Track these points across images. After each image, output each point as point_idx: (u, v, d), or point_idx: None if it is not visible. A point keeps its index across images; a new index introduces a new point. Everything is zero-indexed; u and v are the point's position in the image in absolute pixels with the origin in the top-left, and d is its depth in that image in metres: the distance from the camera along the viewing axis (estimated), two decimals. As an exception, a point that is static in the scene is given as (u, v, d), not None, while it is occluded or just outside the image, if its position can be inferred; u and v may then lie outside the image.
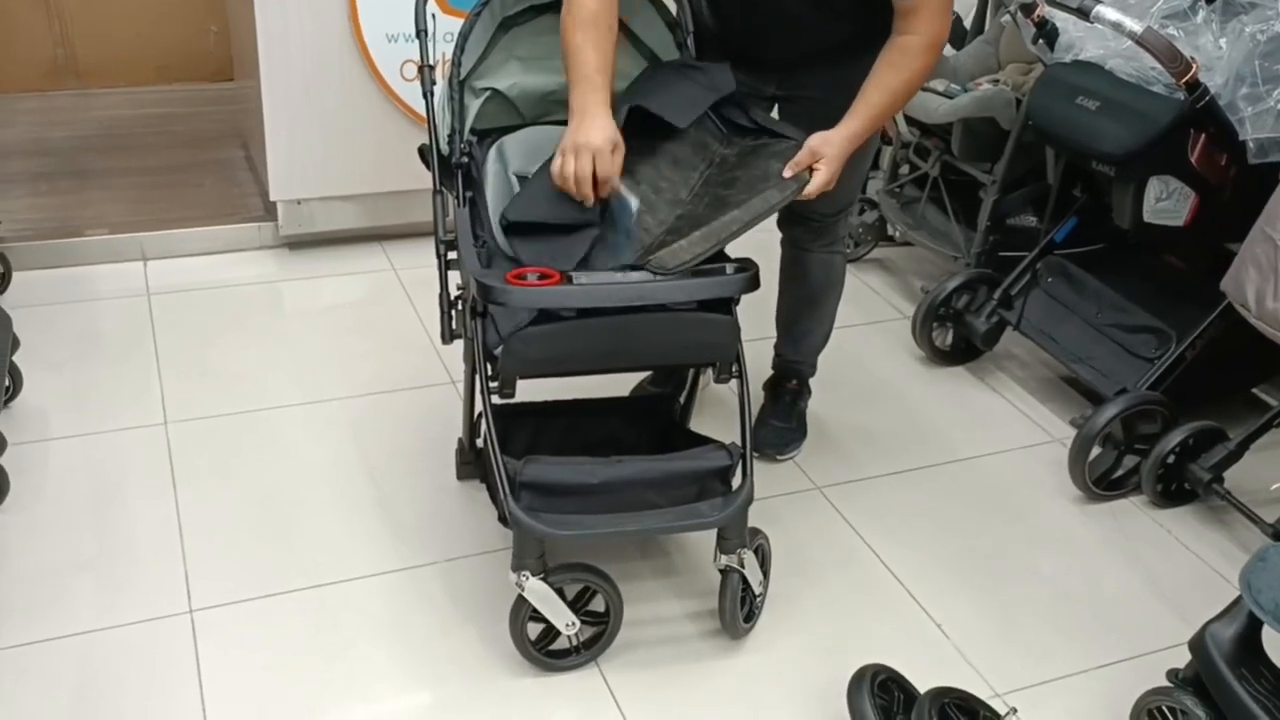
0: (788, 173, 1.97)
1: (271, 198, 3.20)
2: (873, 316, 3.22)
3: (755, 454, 2.41)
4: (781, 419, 2.58)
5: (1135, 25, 2.24)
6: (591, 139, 1.89)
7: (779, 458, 2.55)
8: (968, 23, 3.36)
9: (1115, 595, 2.26)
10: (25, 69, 3.99)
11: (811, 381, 2.63)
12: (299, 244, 3.33)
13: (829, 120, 2.02)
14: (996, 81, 3.06)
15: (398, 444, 2.52)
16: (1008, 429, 2.76)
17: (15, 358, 2.51)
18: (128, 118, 3.93)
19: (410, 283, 3.19)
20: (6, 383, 2.48)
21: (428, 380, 2.74)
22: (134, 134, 3.82)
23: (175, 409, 2.57)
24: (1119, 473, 2.52)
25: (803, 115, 2.20)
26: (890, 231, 3.41)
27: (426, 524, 2.29)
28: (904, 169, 3.32)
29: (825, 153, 1.97)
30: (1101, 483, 2.50)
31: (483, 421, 1.96)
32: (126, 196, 3.39)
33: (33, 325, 2.80)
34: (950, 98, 2.97)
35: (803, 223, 2.39)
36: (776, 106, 2.29)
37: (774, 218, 2.40)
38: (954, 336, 2.99)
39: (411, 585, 2.14)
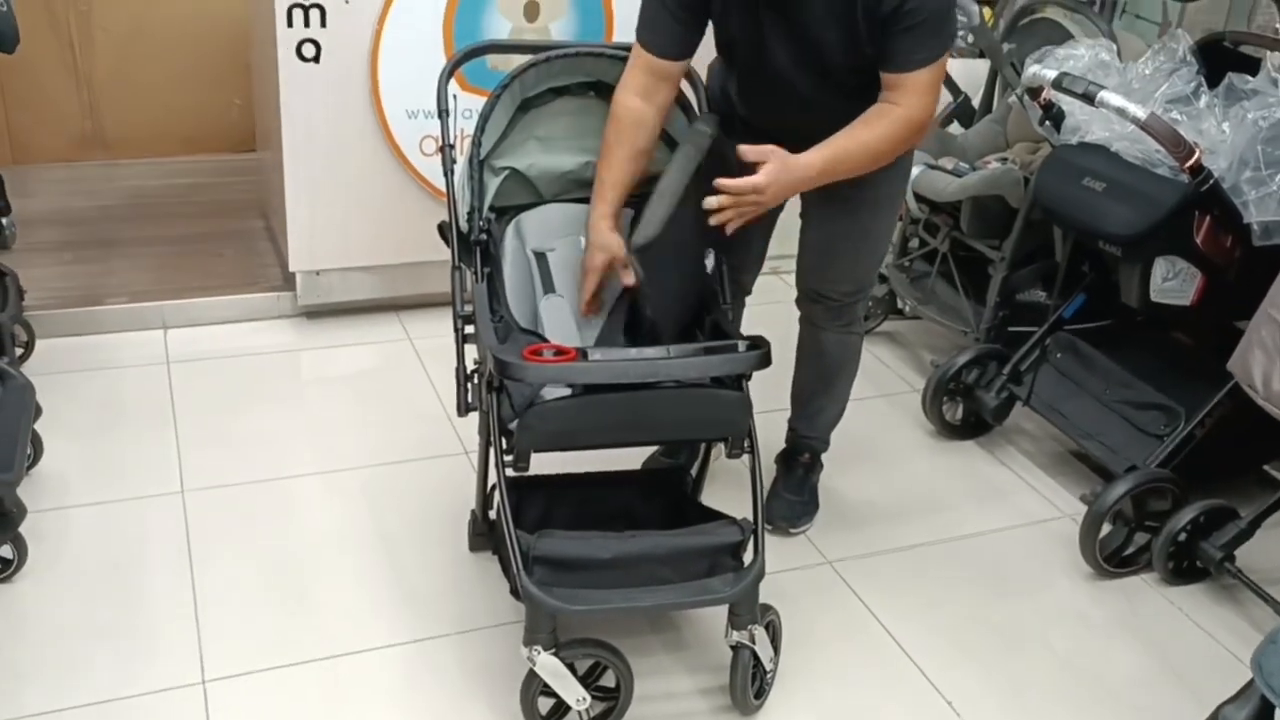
0: (739, 165, 1.99)
1: (290, 269, 3.26)
2: (883, 389, 3.25)
3: (768, 527, 2.47)
4: (794, 492, 2.60)
5: (1139, 111, 2.30)
6: (587, 259, 2.12)
7: (792, 531, 2.56)
8: (976, 102, 3.43)
9: (1127, 674, 2.26)
10: (55, 139, 4.08)
11: (823, 455, 2.65)
12: (317, 313, 3.38)
13: (850, 215, 2.06)
14: (1005, 160, 3.12)
15: (411, 514, 2.55)
16: (1018, 503, 2.77)
17: (37, 425, 2.55)
18: (153, 188, 4.01)
19: (425, 352, 3.24)
20: (28, 450, 2.52)
21: (441, 450, 2.77)
22: (159, 203, 3.90)
23: (192, 477, 2.60)
24: (1130, 550, 2.52)
25: (821, 205, 2.27)
26: (900, 305, 3.44)
27: (439, 596, 2.31)
28: (914, 244, 3.37)
29: (776, 160, 1.98)
30: (1113, 560, 2.50)
31: (496, 494, 1.99)
32: (150, 265, 3.45)
33: (55, 392, 2.84)
34: (959, 176, 3.02)
35: (821, 301, 2.42)
36: (801, 197, 2.33)
37: (793, 295, 2.45)
38: (964, 411, 3.01)
39: (424, 657, 2.15)
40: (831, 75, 2.08)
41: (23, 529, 2.27)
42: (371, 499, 2.59)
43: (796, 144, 2.15)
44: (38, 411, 2.54)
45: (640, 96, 2.12)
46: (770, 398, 2.48)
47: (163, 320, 3.25)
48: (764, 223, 2.32)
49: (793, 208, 2.33)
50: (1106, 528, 2.48)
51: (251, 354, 3.18)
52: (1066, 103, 2.63)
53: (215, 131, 4.23)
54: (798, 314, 2.51)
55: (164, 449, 2.70)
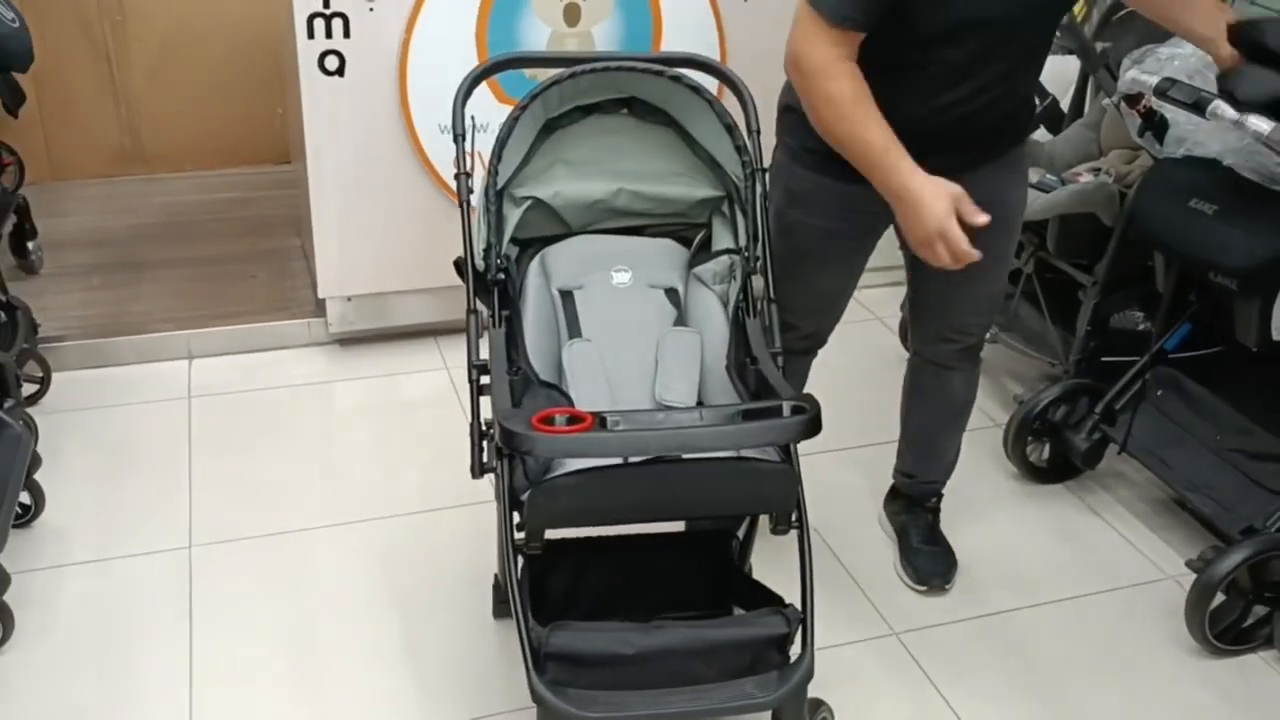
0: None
1: (320, 294, 3.07)
2: (960, 424, 2.94)
3: (921, 588, 2.34)
4: (932, 543, 2.41)
5: (1263, 124, 1.97)
6: (933, 222, 1.73)
7: (947, 587, 2.36)
8: (1065, 105, 3.09)
9: (1245, 778, 1.95)
10: (92, 155, 3.96)
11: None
12: (350, 341, 3.19)
13: (981, 238, 1.77)
14: (1098, 171, 2.79)
15: (435, 572, 2.33)
16: (1112, 563, 2.45)
17: (39, 474, 2.39)
18: (190, 204, 3.86)
19: (464, 383, 3.00)
20: (27, 501, 2.37)
21: (475, 497, 2.53)
22: (194, 221, 3.75)
23: (201, 530, 2.42)
24: (1247, 623, 2.20)
25: None
26: (980, 329, 3.13)
27: (456, 673, 2.08)
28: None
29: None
30: (1225, 636, 2.18)
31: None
32: (178, 290, 3.29)
33: (67, 433, 2.70)
34: (1045, 190, 2.70)
35: (952, 341, 2.23)
36: None
37: (906, 334, 2.20)
38: (1051, 451, 2.70)
39: (434, 749, 1.94)
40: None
41: (15, 591, 2.12)
42: (392, 554, 2.38)
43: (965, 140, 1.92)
44: (37, 461, 2.38)
45: (843, 55, 1.77)
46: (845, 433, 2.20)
47: (188, 350, 3.08)
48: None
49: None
50: (1219, 598, 2.17)
51: (278, 386, 3.00)
52: (1171, 111, 2.30)
53: (256, 143, 4.06)
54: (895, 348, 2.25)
55: (175, 497, 2.52)
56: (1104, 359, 2.72)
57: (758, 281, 1.98)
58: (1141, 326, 2.83)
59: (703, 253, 2.05)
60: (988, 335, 3.08)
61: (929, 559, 2.37)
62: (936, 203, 1.73)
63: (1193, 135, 2.28)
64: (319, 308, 3.16)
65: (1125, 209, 2.51)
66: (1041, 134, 3.03)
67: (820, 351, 2.30)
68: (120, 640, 2.12)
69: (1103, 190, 2.60)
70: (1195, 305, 2.53)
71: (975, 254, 1.74)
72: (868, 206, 1.90)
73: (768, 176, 1.99)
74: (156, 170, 4.04)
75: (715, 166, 2.02)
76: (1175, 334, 2.57)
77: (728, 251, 2.02)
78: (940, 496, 2.46)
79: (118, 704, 1.99)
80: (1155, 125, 2.35)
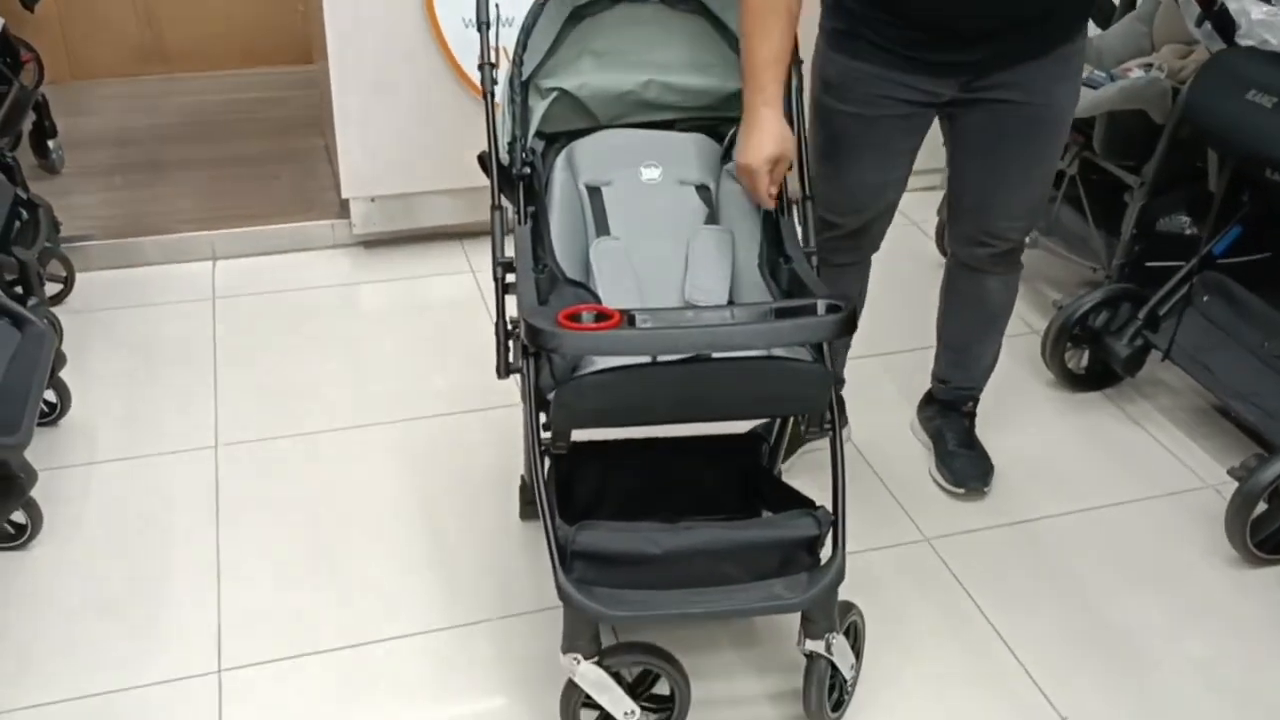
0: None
1: (343, 195, 3.02)
2: (997, 330, 2.87)
3: (959, 490, 2.29)
4: (969, 446, 2.36)
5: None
6: (758, 156, 1.76)
7: (985, 490, 2.31)
8: (1116, -3, 2.95)
9: (1282, 688, 1.92)
10: (112, 54, 3.89)
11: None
12: (375, 243, 3.14)
13: (1023, 138, 1.77)
14: (1149, 67, 2.66)
15: (461, 473, 2.31)
16: (1151, 472, 2.40)
17: (64, 373, 2.38)
18: (212, 103, 3.80)
19: (490, 286, 2.96)
20: (53, 399, 2.36)
21: (501, 400, 2.50)
22: (217, 121, 3.69)
23: (228, 429, 2.41)
24: (1288, 532, 2.15)
25: (989, 129, 1.92)
26: (1020, 233, 3.04)
27: (483, 573, 2.07)
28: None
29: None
30: (1266, 545, 2.13)
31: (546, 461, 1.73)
32: (201, 190, 3.25)
33: (92, 333, 2.68)
34: (1094, 87, 2.58)
35: (988, 245, 2.13)
36: (950, 125, 2.01)
37: (943, 238, 2.12)
38: (1090, 359, 2.63)
39: (459, 647, 1.93)
40: None
41: (44, 487, 2.10)
42: (419, 456, 2.36)
43: (965, 53, 1.86)
44: (62, 359, 2.36)
45: None
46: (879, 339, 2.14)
47: (212, 250, 3.05)
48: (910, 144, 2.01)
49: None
50: (1261, 507, 2.11)
51: (302, 288, 2.96)
52: (1236, 2, 2.18)
53: (277, 42, 3.98)
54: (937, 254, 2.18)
55: (201, 397, 2.50)
56: (1148, 264, 2.64)
57: (793, 178, 1.91)
58: (1188, 231, 2.73)
59: (736, 149, 1.98)
60: (1027, 240, 3.01)
61: (967, 462, 2.33)
62: (767, 143, 1.76)
63: (1263, 29, 2.15)
64: (343, 209, 3.11)
65: (1178, 104, 2.40)
66: (1090, 27, 2.89)
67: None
68: (148, 537, 2.12)
69: (1154, 86, 2.48)
70: (1247, 207, 2.43)
71: (770, 201, 1.81)
72: (899, 94, 1.82)
73: (805, 67, 1.91)
74: (177, 69, 3.98)
75: (732, 39, 1.93)
76: (1225, 237, 2.47)
77: (761, 146, 1.94)
78: (976, 402, 2.40)
79: (146, 599, 1.99)
80: (1217, 16, 2.22)
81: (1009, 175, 2.02)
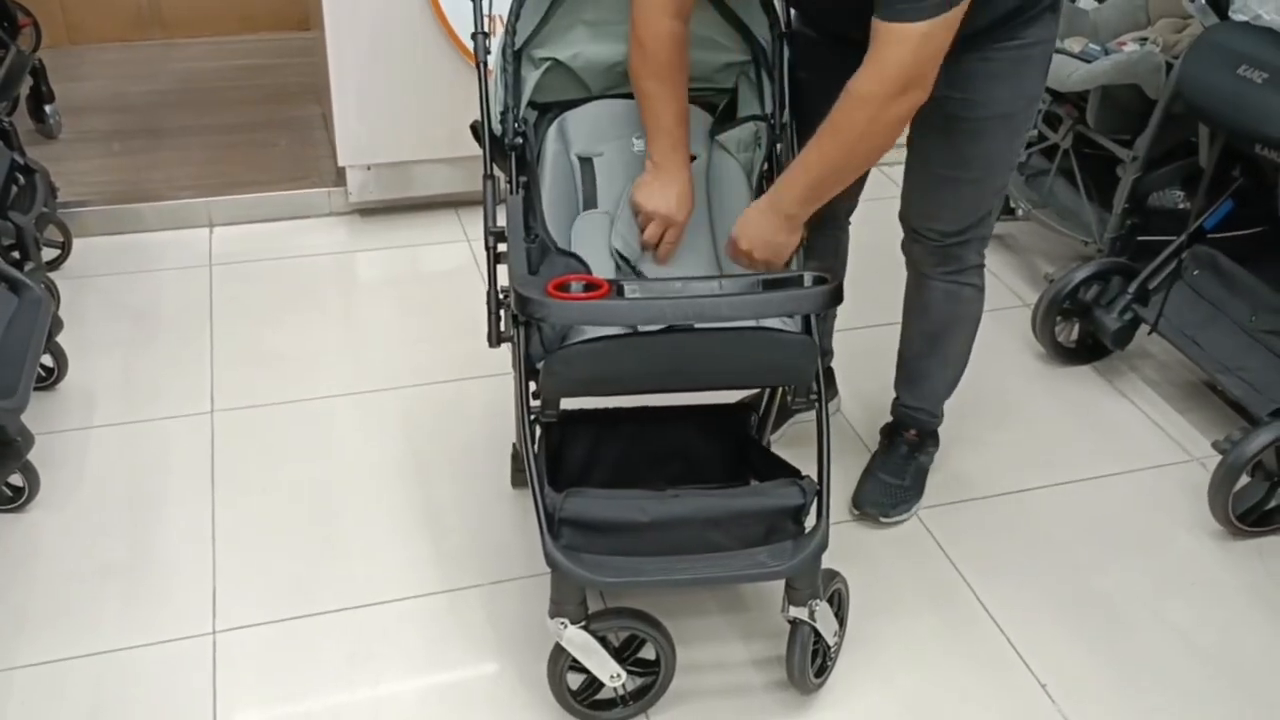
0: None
1: (340, 163, 3.03)
2: (988, 303, 2.87)
3: (854, 512, 2.19)
4: (892, 474, 2.19)
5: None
6: (670, 210, 1.81)
7: (883, 520, 2.16)
8: (1112, -30, 2.94)
9: (1261, 656, 1.94)
10: (110, 19, 3.88)
11: (940, 432, 2.25)
12: (371, 211, 3.15)
13: (942, 133, 1.72)
14: (1144, 41, 2.67)
15: (455, 441, 2.34)
16: (1137, 444, 2.43)
17: (61, 338, 2.40)
18: (209, 70, 3.80)
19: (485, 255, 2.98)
20: (50, 364, 2.38)
21: (494, 368, 2.51)
22: (214, 88, 3.69)
23: (224, 395, 2.43)
24: (1270, 505, 2.17)
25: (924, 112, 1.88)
26: (1013, 205, 3.05)
27: (475, 539, 2.10)
28: (1031, 136, 2.95)
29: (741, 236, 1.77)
30: (1248, 518, 2.16)
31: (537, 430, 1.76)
32: (198, 157, 3.26)
33: (89, 298, 2.70)
34: (1087, 60, 2.59)
35: (920, 241, 2.03)
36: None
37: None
38: (1080, 332, 2.65)
39: (452, 610, 1.96)
40: None
41: (41, 451, 2.13)
42: (413, 423, 2.38)
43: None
44: (59, 324, 2.38)
45: (671, 14, 1.75)
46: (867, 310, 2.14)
47: (208, 217, 3.06)
48: None
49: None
50: (1243, 480, 2.14)
51: (299, 255, 2.98)
52: (1227, -27, 2.19)
53: (274, 8, 3.98)
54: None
55: (197, 363, 2.52)
56: (1140, 238, 2.65)
57: (783, 149, 1.92)
58: (1180, 206, 2.75)
59: (727, 119, 1.99)
60: (1020, 213, 3.02)
61: (877, 488, 2.18)
62: (672, 200, 1.81)
63: (1258, 4, 2.15)
64: (339, 177, 3.12)
65: (1171, 79, 2.41)
66: (1085, 1, 2.90)
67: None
68: (144, 501, 2.15)
69: (1148, 60, 2.49)
70: (1238, 182, 2.44)
71: (647, 252, 1.85)
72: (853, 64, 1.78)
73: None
74: (174, 35, 3.97)
75: (742, 29, 1.94)
76: (1216, 212, 2.48)
77: (753, 118, 1.94)
78: (925, 432, 2.22)
79: (142, 563, 2.02)
80: (1210, -11, 2.23)
81: (932, 173, 1.94)
